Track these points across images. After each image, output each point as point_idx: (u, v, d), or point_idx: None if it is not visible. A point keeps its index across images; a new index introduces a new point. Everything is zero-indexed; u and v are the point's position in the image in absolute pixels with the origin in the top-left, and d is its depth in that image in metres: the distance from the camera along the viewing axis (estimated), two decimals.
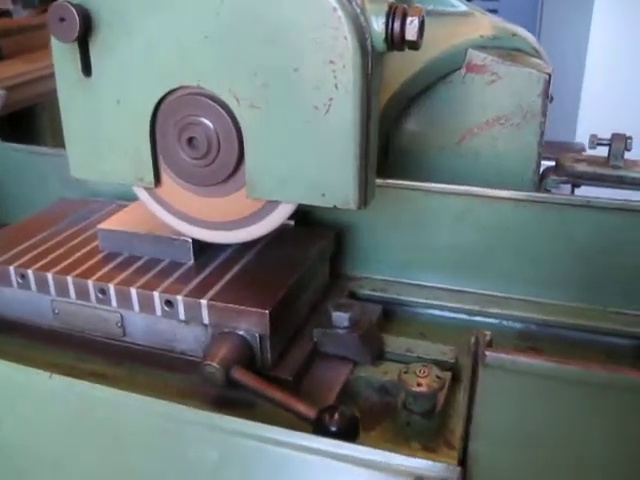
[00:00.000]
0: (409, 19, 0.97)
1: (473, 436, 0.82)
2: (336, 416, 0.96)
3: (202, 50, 0.98)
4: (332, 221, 1.38)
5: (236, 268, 1.17)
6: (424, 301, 1.35)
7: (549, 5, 3.45)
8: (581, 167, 1.69)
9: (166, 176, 1.12)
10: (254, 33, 0.95)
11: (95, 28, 1.01)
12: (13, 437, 1.04)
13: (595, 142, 1.72)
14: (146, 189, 1.16)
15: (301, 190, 1.02)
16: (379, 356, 1.21)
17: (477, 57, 1.56)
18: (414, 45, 0.98)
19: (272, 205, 1.09)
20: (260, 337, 1.07)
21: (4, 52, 2.17)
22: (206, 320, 1.09)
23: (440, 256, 1.35)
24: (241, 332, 1.08)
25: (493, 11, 1.68)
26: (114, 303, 1.14)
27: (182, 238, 1.17)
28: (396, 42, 0.97)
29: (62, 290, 1.17)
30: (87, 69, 1.05)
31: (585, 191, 1.64)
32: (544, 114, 1.54)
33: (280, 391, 1.03)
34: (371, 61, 0.94)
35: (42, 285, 1.18)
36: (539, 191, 1.59)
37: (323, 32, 0.91)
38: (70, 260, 1.21)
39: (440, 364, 1.11)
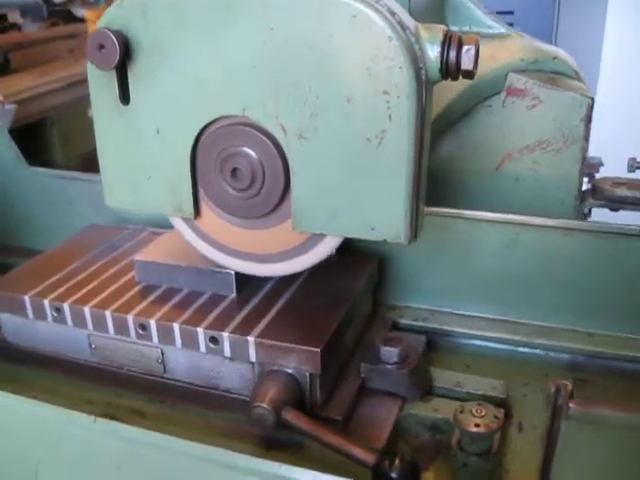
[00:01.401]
0: (465, 47, 0.93)
1: None
2: (397, 462, 0.92)
3: (249, 79, 0.95)
4: (372, 248, 1.33)
5: (281, 302, 1.13)
6: (468, 331, 1.31)
7: (564, 13, 3.43)
8: (621, 191, 1.64)
9: (205, 207, 1.09)
10: (304, 62, 0.91)
11: (134, 55, 0.99)
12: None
13: (634, 165, 1.68)
14: (183, 219, 1.12)
15: (349, 224, 0.98)
16: (428, 391, 1.17)
17: (518, 81, 1.53)
18: (469, 75, 0.94)
19: (317, 238, 1.05)
20: (310, 376, 1.03)
21: (13, 65, 2.17)
22: (253, 358, 1.05)
23: (484, 285, 1.31)
24: (290, 370, 1.03)
25: (509, 23, 1.64)
26: (155, 339, 1.10)
27: (225, 271, 1.13)
28: (451, 71, 0.93)
29: (100, 325, 1.13)
30: (125, 97, 1.02)
31: (624, 216, 1.60)
32: (586, 139, 1.51)
33: (335, 434, 0.99)
34: (425, 91, 0.90)
35: (79, 320, 1.15)
36: (579, 216, 1.55)
37: (377, 62, 0.88)
38: (107, 293, 1.17)
39: (490, 399, 1.07)
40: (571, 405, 0.71)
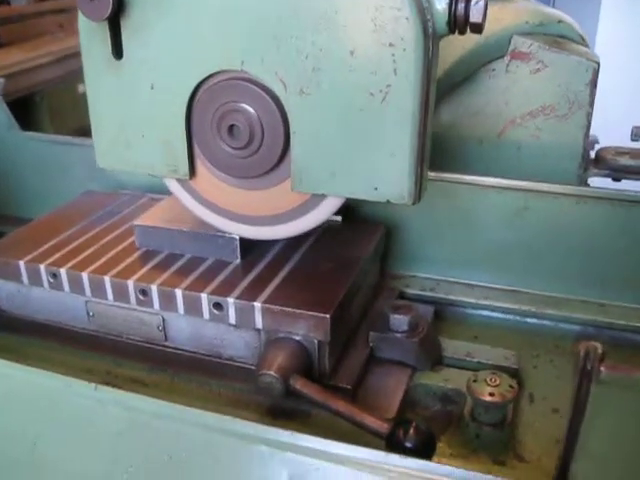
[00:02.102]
0: (474, 0, 0.88)
1: (578, 456, 0.74)
2: (411, 431, 0.88)
3: (247, 31, 0.91)
4: (377, 216, 1.30)
5: (287, 268, 1.09)
6: (476, 301, 1.28)
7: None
8: (624, 160, 1.61)
9: (202, 167, 1.05)
10: (307, 13, 0.87)
11: (128, 6, 0.94)
12: (52, 453, 0.95)
13: (639, 134, 1.65)
14: (179, 181, 1.08)
15: (351, 183, 0.95)
16: (438, 361, 1.13)
17: (523, 44, 1.49)
18: (477, 28, 0.90)
19: (317, 199, 1.02)
20: (319, 343, 0.99)
21: (2, 40, 2.12)
22: (259, 324, 1.01)
23: (493, 254, 1.28)
24: (297, 337, 1.00)
25: None
26: (156, 305, 1.07)
27: (228, 235, 1.10)
28: (459, 24, 0.89)
29: (98, 291, 1.09)
30: (118, 51, 0.97)
31: (626, 186, 1.57)
32: (591, 104, 1.47)
33: (347, 403, 0.95)
34: (432, 45, 0.87)
35: (76, 286, 1.11)
36: (583, 185, 1.52)
37: (383, 13, 0.84)
38: (105, 258, 1.13)
39: (501, 370, 1.04)
40: (602, 369, 0.68)
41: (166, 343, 1.12)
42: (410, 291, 1.30)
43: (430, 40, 0.86)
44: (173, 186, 1.11)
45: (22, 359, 0.98)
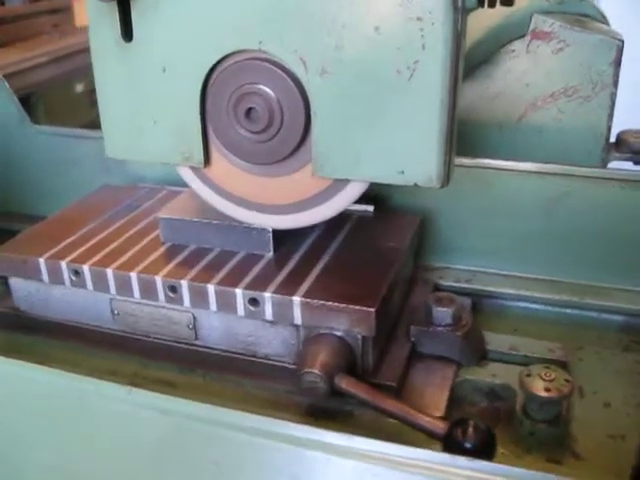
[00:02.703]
0: None
1: None
2: (470, 431, 0.82)
3: (266, 8, 0.86)
4: (408, 206, 1.26)
5: (323, 260, 1.04)
6: (514, 292, 1.22)
7: None
8: None
9: (217, 154, 1.00)
10: None
11: None
12: (83, 464, 0.90)
13: None
14: (193, 169, 1.03)
15: (376, 167, 0.90)
16: (482, 356, 1.07)
17: (544, 23, 1.44)
18: (508, 1, 0.84)
19: (339, 185, 0.97)
20: (362, 339, 0.93)
21: None
22: (298, 320, 0.96)
23: (531, 243, 1.23)
24: (339, 333, 0.94)
25: None
26: (187, 302, 1.01)
27: (261, 227, 1.04)
28: None
29: (124, 288, 1.04)
30: (128, 33, 0.93)
31: None
32: (615, 84, 1.43)
33: (398, 402, 0.89)
34: (461, 19, 0.82)
35: (100, 283, 1.05)
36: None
37: None
38: (130, 254, 1.08)
39: (549, 363, 0.98)
40: None
41: (196, 342, 1.07)
42: (444, 283, 1.24)
43: (459, 13, 0.81)
44: (186, 175, 1.05)
45: (43, 362, 0.93)
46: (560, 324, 1.19)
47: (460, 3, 0.81)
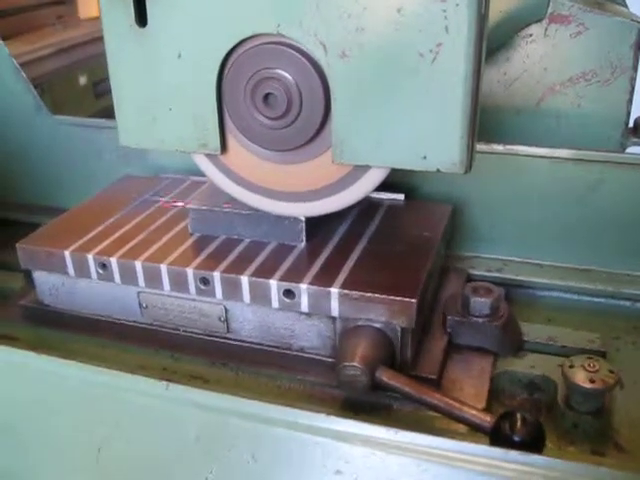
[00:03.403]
0: None
1: None
2: (519, 424, 0.80)
3: None
4: (439, 194, 1.24)
5: (357, 250, 1.02)
6: (547, 282, 1.20)
7: None
8: None
9: (233, 141, 0.98)
10: None
11: None
12: (118, 460, 0.87)
13: None
14: (208, 157, 1.01)
15: (398, 153, 0.88)
16: (520, 346, 1.05)
17: (562, 6, 1.41)
18: None
19: (359, 171, 0.95)
20: (402, 330, 0.91)
21: (1, 32, 2.09)
22: (335, 312, 0.94)
23: (565, 231, 1.21)
24: (378, 325, 0.91)
25: None
26: (219, 295, 0.99)
27: (293, 217, 1.01)
28: None
29: (153, 281, 1.02)
30: (142, 18, 0.90)
31: None
32: (635, 68, 1.40)
33: (442, 395, 0.87)
34: (485, 0, 0.79)
35: (128, 276, 1.04)
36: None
37: None
38: (157, 245, 1.06)
39: (588, 354, 0.96)
40: None
41: (228, 335, 1.05)
42: (476, 272, 1.22)
43: None
44: (202, 162, 1.04)
45: (69, 358, 0.91)
46: (595, 314, 1.17)
47: None
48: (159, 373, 1.03)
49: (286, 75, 0.88)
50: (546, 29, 1.43)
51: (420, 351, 1.00)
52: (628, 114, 1.45)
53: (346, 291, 0.93)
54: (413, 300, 0.90)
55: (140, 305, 1.07)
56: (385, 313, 0.92)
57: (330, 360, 0.99)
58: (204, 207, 1.08)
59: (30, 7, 2.22)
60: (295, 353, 1.02)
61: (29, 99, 1.43)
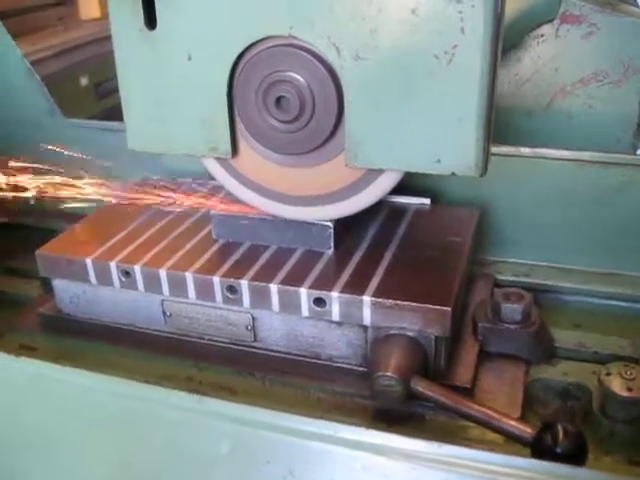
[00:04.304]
0: None
1: None
2: (561, 435, 0.78)
3: None
4: (463, 198, 1.23)
5: (387, 257, 1.00)
6: (575, 287, 1.19)
7: None
8: None
9: (244, 145, 0.97)
10: None
11: None
12: (147, 472, 0.85)
13: None
14: (218, 160, 1.00)
15: (412, 156, 0.87)
16: (552, 353, 1.04)
17: (574, 6, 1.40)
18: None
19: (372, 175, 0.94)
20: (436, 339, 0.89)
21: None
22: (367, 321, 0.93)
23: (592, 235, 1.19)
24: (411, 334, 0.89)
25: None
26: (246, 303, 0.98)
27: (322, 223, 1.01)
28: None
29: (179, 289, 1.01)
30: (151, 20, 0.89)
31: None
32: None
33: (481, 406, 0.85)
34: (501, 0, 0.78)
35: (153, 284, 1.02)
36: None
37: None
38: (181, 253, 1.04)
39: (620, 360, 0.96)
40: None
41: (255, 344, 1.03)
42: (502, 277, 1.21)
43: None
44: (211, 166, 1.02)
45: (92, 368, 0.88)
46: (624, 319, 1.15)
47: None
48: (184, 383, 1.02)
49: (298, 78, 0.88)
50: (557, 30, 1.42)
51: (452, 359, 0.98)
52: (639, 115, 1.43)
53: (379, 299, 0.91)
54: (448, 308, 0.89)
55: (164, 313, 1.05)
56: (419, 321, 0.90)
57: (360, 369, 0.98)
58: (226, 213, 1.06)
59: (31, 8, 2.21)
60: (324, 362, 1.00)
61: (42, 101, 1.41)
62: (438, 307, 0.89)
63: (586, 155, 1.15)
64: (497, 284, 1.19)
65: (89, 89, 1.96)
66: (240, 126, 0.95)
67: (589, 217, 1.18)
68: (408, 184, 0.98)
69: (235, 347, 1.04)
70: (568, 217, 1.19)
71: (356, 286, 0.94)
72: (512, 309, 1.00)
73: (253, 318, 1.01)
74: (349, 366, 0.98)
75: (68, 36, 2.06)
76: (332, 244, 1.02)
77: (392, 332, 0.93)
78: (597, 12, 1.37)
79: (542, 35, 1.44)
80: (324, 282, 0.95)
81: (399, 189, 0.99)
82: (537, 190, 1.19)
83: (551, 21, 1.41)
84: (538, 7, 1.42)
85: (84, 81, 1.96)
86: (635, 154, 1.37)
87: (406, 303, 0.90)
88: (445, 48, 0.79)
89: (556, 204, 1.19)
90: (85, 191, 1.18)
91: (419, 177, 0.94)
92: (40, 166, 1.18)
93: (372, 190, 0.97)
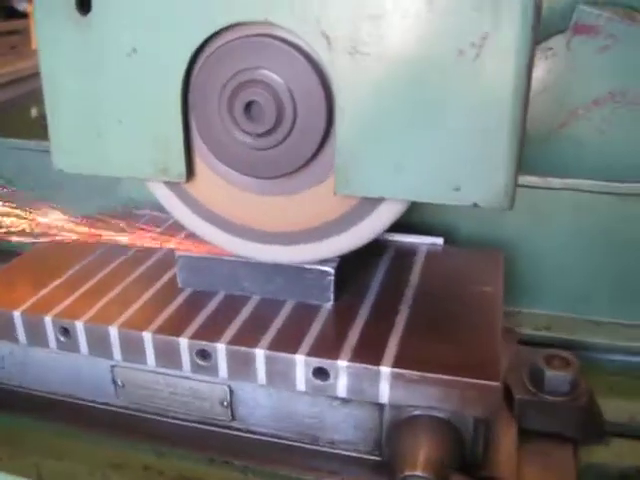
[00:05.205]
0: None
1: None
2: None
3: None
4: (474, 237, 1.09)
5: (403, 312, 0.85)
6: (607, 342, 1.06)
7: None
8: None
9: (202, 165, 0.83)
10: None
11: None
12: None
13: None
14: (169, 185, 0.87)
15: (422, 182, 0.72)
16: (603, 431, 0.89)
17: (589, 15, 1.25)
18: None
19: (367, 205, 0.80)
20: (475, 422, 0.75)
21: None
22: (384, 398, 0.76)
23: (626, 282, 1.06)
24: (443, 415, 0.75)
25: None
26: (222, 373, 0.82)
27: (319, 268, 0.86)
28: None
29: (133, 353, 0.84)
30: (84, 2, 0.76)
31: None
32: None
33: None
34: None
35: (99, 345, 0.85)
36: None
37: None
38: (138, 305, 0.89)
39: None
40: None
41: (233, 424, 0.87)
42: (521, 331, 1.06)
43: None
44: (161, 193, 0.88)
45: (24, 453, 0.82)
46: None
47: None
48: (139, 474, 0.85)
49: (275, 77, 0.74)
50: (569, 42, 1.27)
51: (488, 443, 0.81)
52: None
53: (401, 370, 0.75)
54: (496, 383, 0.72)
55: (114, 383, 0.90)
56: (455, 400, 0.74)
57: (371, 459, 0.83)
58: (195, 254, 0.90)
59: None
60: (323, 449, 0.85)
61: None
62: (483, 382, 0.72)
63: (621, 187, 1.04)
64: (523, 341, 1.03)
65: (38, 119, 1.96)
66: (198, 141, 0.81)
67: (623, 261, 1.06)
68: (402, 218, 0.83)
69: (206, 428, 0.88)
70: (602, 260, 1.06)
71: (369, 352, 0.77)
72: (558, 378, 0.85)
73: (231, 391, 0.85)
74: (357, 454, 0.83)
75: (19, 65, 2.11)
76: (332, 295, 0.87)
77: (417, 412, 0.77)
78: (616, 22, 1.24)
79: (550, 49, 1.29)
80: (326, 346, 0.79)
81: (396, 226, 0.84)
82: (565, 228, 1.06)
83: (562, 32, 1.27)
84: (547, 16, 1.28)
85: (34, 111, 1.95)
86: None
87: (438, 376, 0.73)
88: (472, 39, 0.66)
89: (585, 244, 1.06)
90: (19, 223, 1.02)
91: (419, 211, 0.83)
92: None
93: (370, 224, 0.82)
